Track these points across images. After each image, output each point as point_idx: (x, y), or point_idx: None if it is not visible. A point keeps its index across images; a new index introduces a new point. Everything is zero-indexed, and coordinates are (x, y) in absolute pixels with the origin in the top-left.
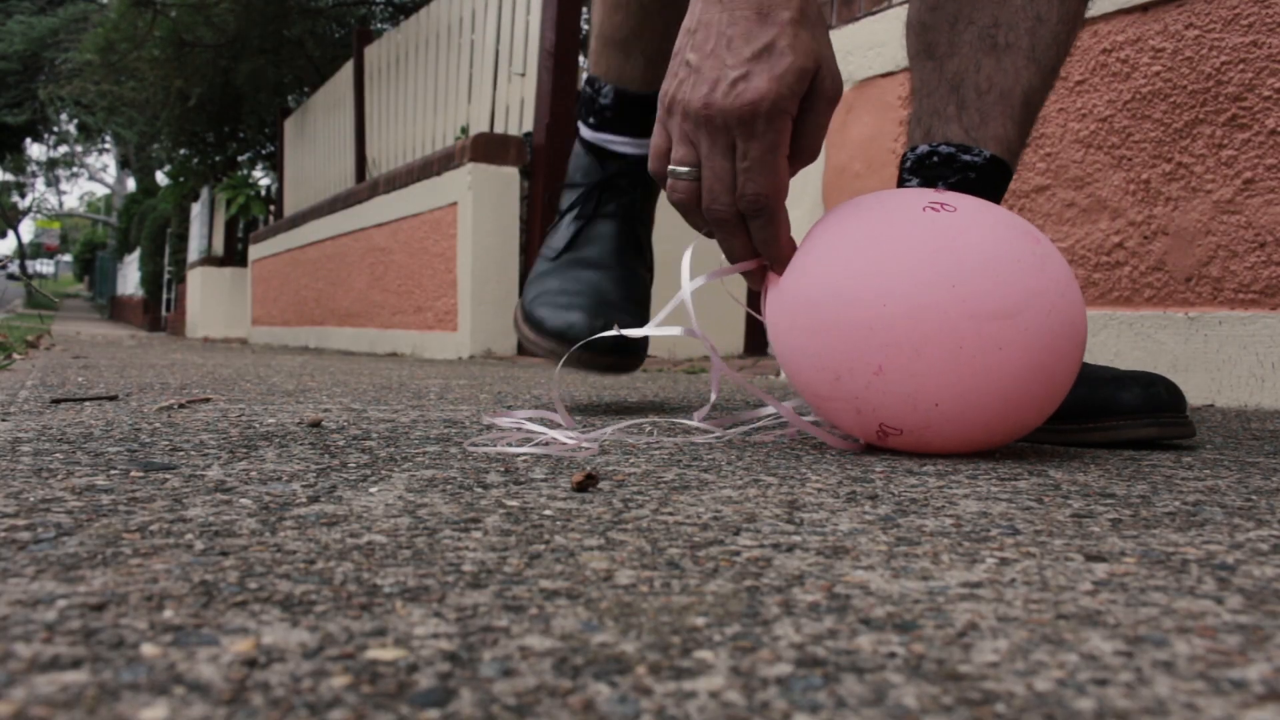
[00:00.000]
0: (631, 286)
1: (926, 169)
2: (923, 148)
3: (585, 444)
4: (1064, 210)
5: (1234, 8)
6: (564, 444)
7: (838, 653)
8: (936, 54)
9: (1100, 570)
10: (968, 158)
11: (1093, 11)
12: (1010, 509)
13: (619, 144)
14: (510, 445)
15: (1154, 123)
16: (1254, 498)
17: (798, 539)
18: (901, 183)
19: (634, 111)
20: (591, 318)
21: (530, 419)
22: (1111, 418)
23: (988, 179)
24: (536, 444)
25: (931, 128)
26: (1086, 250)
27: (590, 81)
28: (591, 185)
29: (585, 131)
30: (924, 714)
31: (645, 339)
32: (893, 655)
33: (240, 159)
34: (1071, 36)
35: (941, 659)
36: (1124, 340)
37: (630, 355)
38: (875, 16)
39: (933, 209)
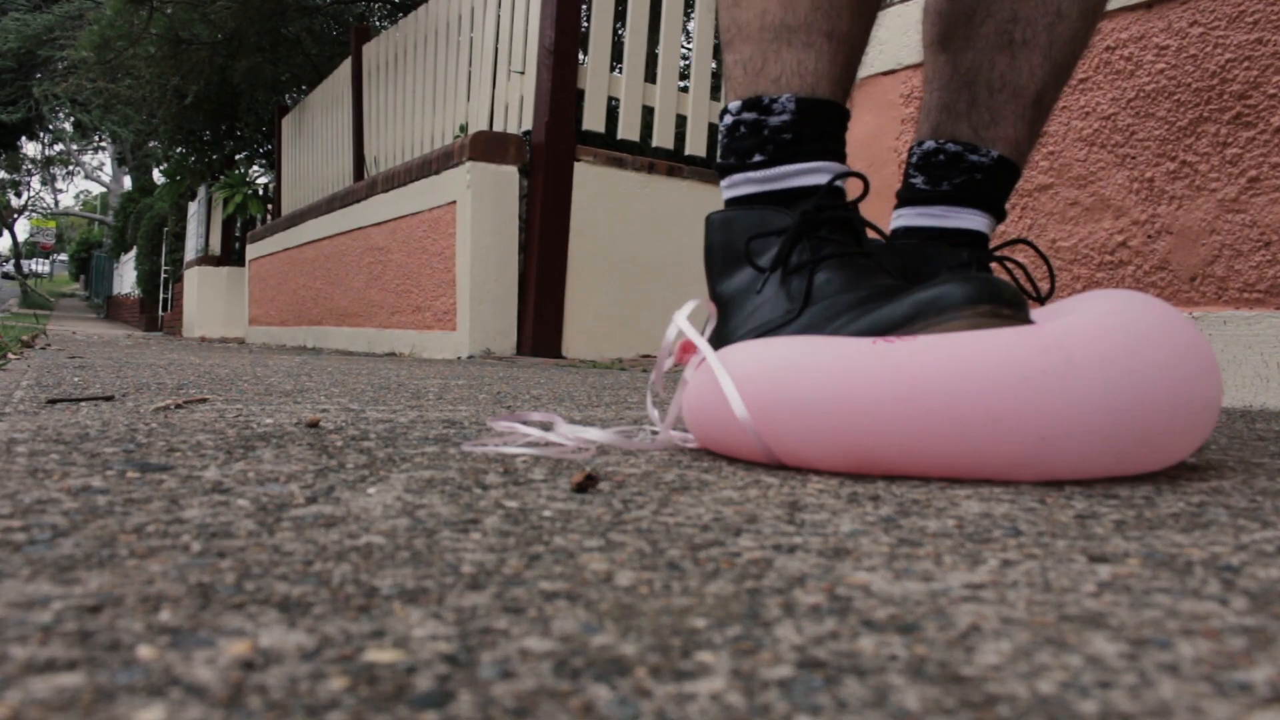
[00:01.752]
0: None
1: (932, 167)
2: (929, 144)
3: (583, 444)
4: (1067, 209)
5: (1239, 5)
6: (562, 445)
7: (839, 655)
8: (951, 46)
9: (1104, 571)
10: (975, 158)
11: None
12: (1013, 510)
13: (811, 173)
14: (508, 446)
15: (1158, 121)
16: (1259, 499)
17: (799, 540)
18: (906, 179)
19: (821, 123)
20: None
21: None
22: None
23: (994, 180)
24: (534, 444)
25: (940, 123)
26: (1090, 249)
27: (751, 105)
28: (792, 230)
29: (751, 177)
30: (926, 716)
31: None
32: (894, 657)
33: (237, 157)
34: (1090, 33)
35: (944, 661)
36: None
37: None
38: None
39: (887, 342)
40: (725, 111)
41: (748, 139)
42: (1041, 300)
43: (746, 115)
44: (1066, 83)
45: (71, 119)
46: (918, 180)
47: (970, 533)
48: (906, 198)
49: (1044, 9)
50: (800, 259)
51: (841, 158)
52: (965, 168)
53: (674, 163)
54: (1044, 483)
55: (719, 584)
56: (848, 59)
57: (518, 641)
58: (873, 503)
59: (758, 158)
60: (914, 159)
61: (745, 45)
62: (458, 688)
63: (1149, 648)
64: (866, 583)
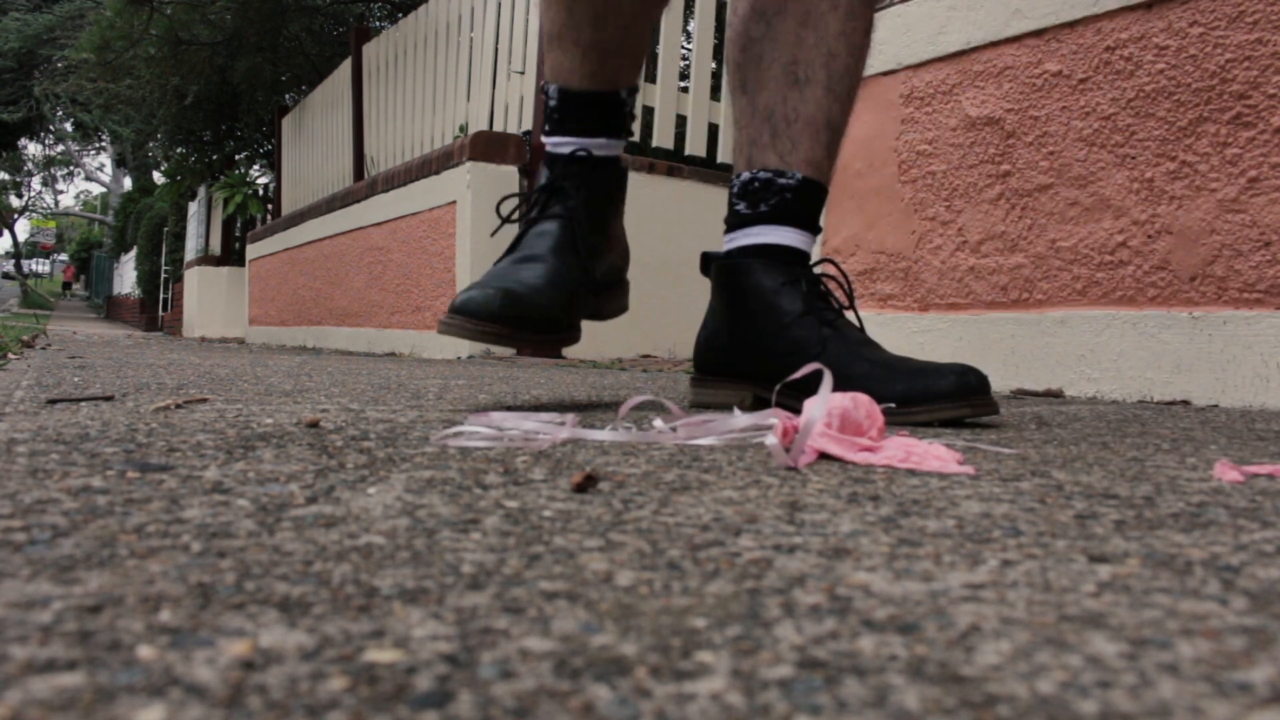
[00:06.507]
0: (555, 274)
1: (750, 194)
2: (745, 175)
3: (560, 432)
4: (1067, 209)
5: (1238, 5)
6: (537, 438)
7: (839, 655)
8: (749, 89)
9: (1103, 571)
10: (783, 181)
11: (1096, 9)
12: (1013, 510)
13: (563, 144)
14: (482, 440)
15: (1158, 121)
16: (1259, 499)
17: (799, 540)
18: (731, 207)
19: (576, 110)
20: (483, 289)
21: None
22: (932, 402)
23: (803, 198)
24: (509, 436)
25: (751, 156)
26: (1090, 249)
27: (543, 90)
28: (537, 190)
29: (545, 141)
30: (926, 716)
31: (566, 319)
32: (894, 657)
33: (238, 157)
34: (860, 68)
35: (944, 661)
36: (1127, 340)
37: (530, 330)
38: (878, 14)
39: None
40: (542, 92)
41: (545, 116)
42: (852, 307)
43: (543, 96)
44: (851, 110)
45: (71, 119)
46: (740, 206)
47: (970, 533)
48: (733, 224)
49: (818, 52)
50: (530, 213)
51: (592, 134)
52: (777, 189)
53: (674, 163)
54: (1044, 483)
55: (719, 584)
56: (599, 58)
57: (518, 641)
58: (873, 503)
59: (546, 128)
60: (735, 190)
61: (545, 45)
62: (458, 688)
63: (1149, 648)
64: (866, 583)
